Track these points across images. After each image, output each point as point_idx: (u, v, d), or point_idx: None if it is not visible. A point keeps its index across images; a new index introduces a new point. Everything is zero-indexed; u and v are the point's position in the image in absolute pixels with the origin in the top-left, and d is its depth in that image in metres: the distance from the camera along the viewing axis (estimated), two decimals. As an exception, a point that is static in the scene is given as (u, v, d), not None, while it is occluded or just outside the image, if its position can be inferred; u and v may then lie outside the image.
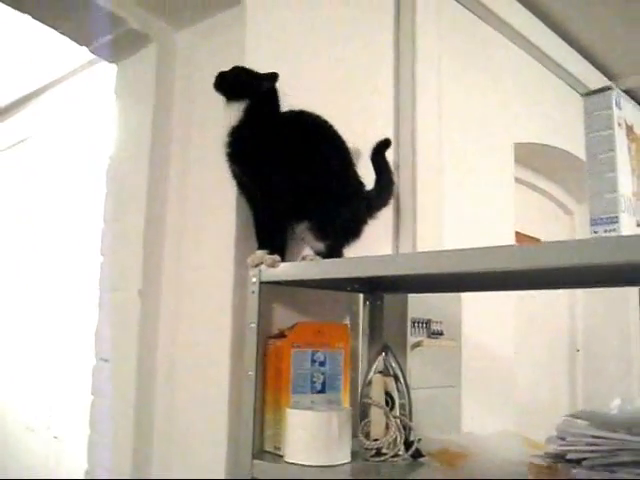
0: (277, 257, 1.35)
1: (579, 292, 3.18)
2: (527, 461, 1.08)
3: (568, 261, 1.00)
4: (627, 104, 1.21)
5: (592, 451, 0.94)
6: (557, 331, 3.17)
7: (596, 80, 2.97)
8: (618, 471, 0.92)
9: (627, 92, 3.28)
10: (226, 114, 1.41)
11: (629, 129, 1.22)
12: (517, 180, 2.80)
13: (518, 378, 2.46)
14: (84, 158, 3.15)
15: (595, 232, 1.14)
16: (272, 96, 1.45)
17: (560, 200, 3.25)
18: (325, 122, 1.45)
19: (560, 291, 2.93)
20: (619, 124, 1.19)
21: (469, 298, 1.87)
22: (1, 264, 4.66)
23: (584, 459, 0.95)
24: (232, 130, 1.39)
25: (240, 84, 1.42)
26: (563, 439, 0.99)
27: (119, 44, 1.65)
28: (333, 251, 1.41)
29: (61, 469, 5.39)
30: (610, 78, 3.09)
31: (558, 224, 3.26)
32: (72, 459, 5.27)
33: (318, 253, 1.41)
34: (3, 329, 5.66)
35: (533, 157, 2.75)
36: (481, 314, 2.01)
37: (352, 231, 1.44)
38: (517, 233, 2.78)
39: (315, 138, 1.44)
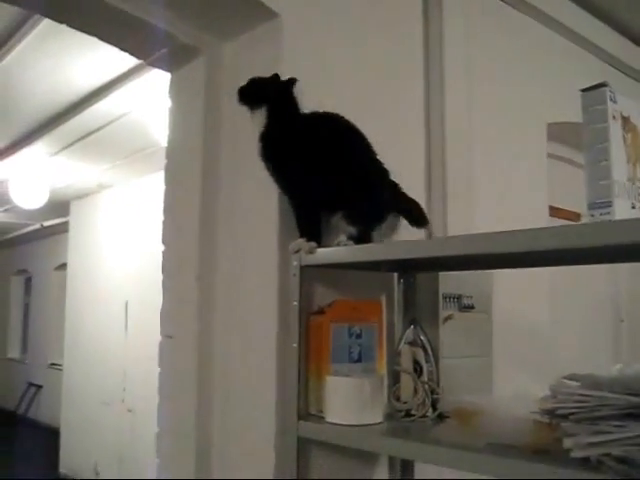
0: (314, 244, 1.53)
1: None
2: (531, 417, 1.25)
3: (591, 241, 1.15)
4: (622, 98, 1.33)
5: (578, 407, 1.10)
6: (600, 301, 3.24)
7: (630, 52, 3.03)
8: (599, 424, 1.07)
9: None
10: (254, 123, 1.59)
11: (625, 120, 1.34)
12: (555, 157, 2.90)
13: (559, 347, 2.58)
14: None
15: (592, 215, 1.28)
16: (288, 98, 1.59)
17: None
18: (345, 119, 1.58)
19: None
20: (614, 117, 1.31)
21: (501, 271, 2.01)
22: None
23: (571, 414, 1.11)
24: (260, 135, 1.57)
25: (254, 92, 1.60)
26: (555, 397, 1.15)
27: (172, 57, 1.84)
28: (364, 234, 1.58)
29: (135, 440, 5.79)
30: (645, 47, 3.14)
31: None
32: (145, 431, 5.67)
33: (351, 236, 1.57)
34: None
35: (569, 134, 2.83)
36: (513, 285, 2.14)
37: (378, 217, 1.61)
38: (556, 208, 2.89)
39: (338, 134, 1.58)
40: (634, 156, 1.35)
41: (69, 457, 6.80)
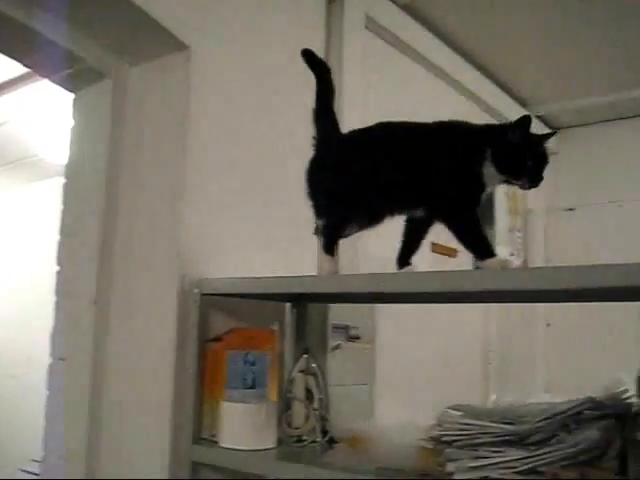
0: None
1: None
2: (417, 444, 1.35)
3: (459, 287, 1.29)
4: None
5: (461, 435, 1.21)
6: (472, 337, 3.44)
7: (510, 107, 3.29)
8: (479, 449, 1.19)
9: (539, 118, 3.63)
10: None
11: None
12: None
13: (436, 378, 2.72)
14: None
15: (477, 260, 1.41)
16: None
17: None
18: None
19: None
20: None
21: (386, 306, 2.13)
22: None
23: (455, 441, 1.21)
24: None
25: None
26: (440, 425, 1.25)
27: (77, 77, 1.83)
28: None
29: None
30: (523, 105, 3.41)
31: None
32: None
33: None
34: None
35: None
36: (398, 320, 2.27)
37: None
38: (435, 243, 3.06)
39: None
40: (514, 208, 1.50)
41: None
